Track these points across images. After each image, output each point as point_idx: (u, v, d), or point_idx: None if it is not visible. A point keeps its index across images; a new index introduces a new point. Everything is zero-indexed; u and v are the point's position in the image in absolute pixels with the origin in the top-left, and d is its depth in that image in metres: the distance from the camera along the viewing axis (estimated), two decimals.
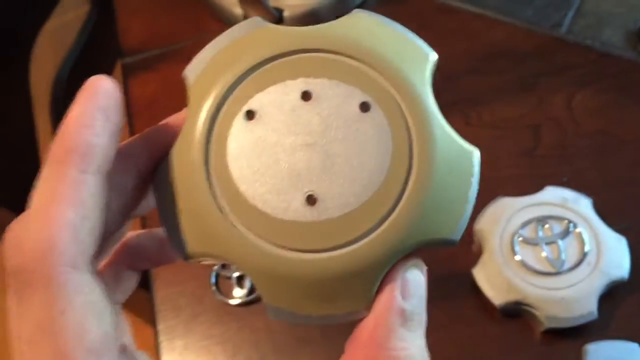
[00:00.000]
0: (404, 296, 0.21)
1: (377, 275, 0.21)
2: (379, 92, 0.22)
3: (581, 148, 0.51)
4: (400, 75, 0.22)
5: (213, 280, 0.49)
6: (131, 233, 0.27)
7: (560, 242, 0.44)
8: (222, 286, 0.49)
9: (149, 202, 0.24)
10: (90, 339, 0.19)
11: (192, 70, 0.23)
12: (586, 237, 0.43)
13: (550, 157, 0.51)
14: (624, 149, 0.50)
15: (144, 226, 0.52)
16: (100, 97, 0.21)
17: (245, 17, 0.60)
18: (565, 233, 0.44)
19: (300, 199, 0.21)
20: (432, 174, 0.21)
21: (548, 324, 0.42)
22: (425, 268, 0.22)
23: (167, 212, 0.22)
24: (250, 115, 0.22)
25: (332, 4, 0.60)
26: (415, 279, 0.22)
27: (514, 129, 0.53)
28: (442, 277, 0.44)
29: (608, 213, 0.46)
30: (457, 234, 0.22)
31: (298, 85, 0.22)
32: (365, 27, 0.23)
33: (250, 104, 0.22)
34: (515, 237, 0.44)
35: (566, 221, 0.44)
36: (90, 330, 0.19)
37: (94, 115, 0.21)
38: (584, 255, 0.43)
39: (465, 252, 0.47)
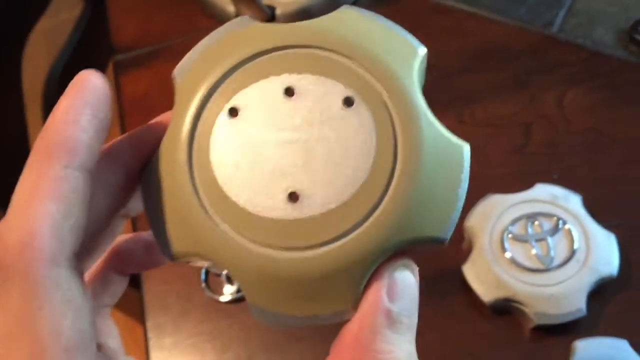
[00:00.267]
0: (390, 297, 0.20)
1: (363, 273, 0.20)
2: (364, 87, 0.22)
3: (572, 146, 0.51)
4: (385, 70, 0.22)
5: (203, 277, 0.49)
6: (118, 237, 0.26)
7: (549, 239, 0.44)
8: (211, 283, 0.49)
9: (140, 202, 0.24)
10: (67, 336, 0.19)
11: (180, 70, 0.23)
12: (575, 234, 0.43)
13: (541, 154, 0.51)
14: (615, 147, 0.50)
15: (134, 228, 0.52)
16: (88, 93, 0.21)
17: (238, 14, 0.60)
18: (555, 230, 0.44)
19: (282, 196, 0.21)
20: (419, 169, 0.21)
21: (537, 321, 0.42)
22: (416, 269, 0.22)
23: (153, 212, 0.22)
24: (233, 112, 0.22)
25: (324, 2, 0.60)
26: (404, 280, 0.21)
27: (506, 126, 0.53)
28: (432, 274, 0.44)
29: (598, 210, 0.46)
30: (446, 232, 0.21)
31: (282, 81, 0.22)
32: (352, 22, 0.23)
33: (234, 101, 0.22)
34: (505, 234, 0.44)
35: (555, 218, 0.44)
36: (68, 328, 0.19)
37: (81, 111, 0.20)
38: (573, 252, 0.43)
39: (455, 249, 0.47)
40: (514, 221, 0.45)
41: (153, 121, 0.24)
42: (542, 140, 0.51)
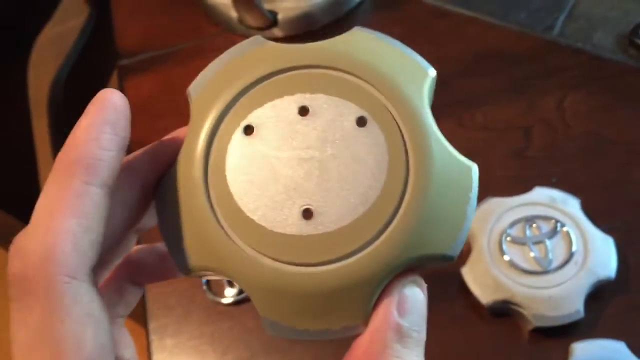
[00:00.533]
0: (400, 312, 0.21)
1: (373, 289, 0.21)
2: (376, 107, 0.22)
3: (571, 149, 0.51)
4: (397, 90, 0.22)
5: (204, 280, 0.49)
6: (133, 248, 0.27)
7: (547, 242, 0.44)
8: (213, 286, 0.49)
9: (153, 216, 0.24)
10: (89, 349, 0.19)
11: (195, 87, 0.23)
12: (573, 236, 0.44)
13: (540, 158, 0.51)
14: (614, 151, 0.51)
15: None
16: (109, 111, 0.21)
17: (240, 20, 0.61)
18: (553, 232, 0.44)
19: (296, 212, 0.21)
20: (429, 189, 0.21)
21: (536, 323, 0.42)
22: (425, 286, 0.22)
23: (168, 226, 0.23)
24: (248, 130, 0.22)
25: (326, 6, 0.60)
26: (413, 296, 0.21)
27: (505, 130, 0.53)
28: (431, 277, 0.45)
29: (596, 213, 0.46)
30: (454, 250, 0.21)
31: (296, 100, 0.22)
32: (363, 43, 0.23)
33: (249, 119, 0.22)
34: (504, 237, 0.44)
35: (554, 221, 0.44)
36: (88, 341, 0.19)
37: (101, 129, 0.21)
38: (571, 254, 0.43)
39: None
40: (513, 224, 0.45)
41: (168, 137, 0.24)
42: (541, 144, 0.52)
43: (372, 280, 0.21)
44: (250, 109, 0.23)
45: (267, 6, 0.59)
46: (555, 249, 0.43)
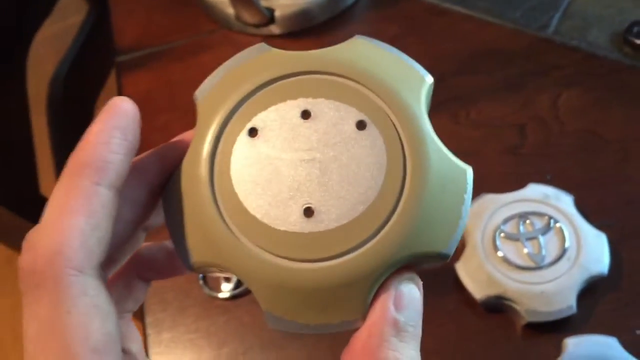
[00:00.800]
0: (397, 307, 0.22)
1: (371, 285, 0.22)
2: (375, 112, 0.23)
3: (565, 147, 0.51)
4: (395, 96, 0.23)
5: (200, 274, 0.49)
6: (142, 245, 0.28)
7: (541, 238, 0.44)
8: (209, 280, 0.49)
9: (161, 215, 0.25)
10: (95, 339, 0.20)
11: (201, 92, 0.24)
12: (567, 232, 0.44)
13: (535, 155, 0.51)
14: (607, 148, 0.51)
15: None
16: (119, 117, 0.23)
17: (237, 17, 0.61)
18: (546, 229, 0.44)
19: (298, 211, 0.22)
20: (425, 190, 0.22)
21: (528, 318, 0.42)
22: (420, 282, 0.23)
23: (175, 224, 0.23)
24: (253, 132, 0.23)
25: (323, 3, 0.60)
26: (409, 292, 0.22)
27: (500, 127, 0.53)
28: (426, 272, 0.45)
29: (589, 210, 0.46)
30: (449, 248, 0.22)
31: (298, 104, 0.23)
32: (363, 51, 0.24)
33: (254, 122, 0.23)
34: (497, 233, 0.45)
35: (547, 217, 0.45)
36: (95, 331, 0.20)
37: (112, 134, 0.22)
38: (564, 250, 0.43)
39: None
40: (506, 220, 0.45)
41: (175, 139, 0.25)
42: (536, 141, 0.52)
43: (370, 276, 0.22)
44: (254, 112, 0.24)
45: (264, 3, 0.60)
46: (549, 245, 0.44)
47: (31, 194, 0.85)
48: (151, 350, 0.47)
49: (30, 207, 0.81)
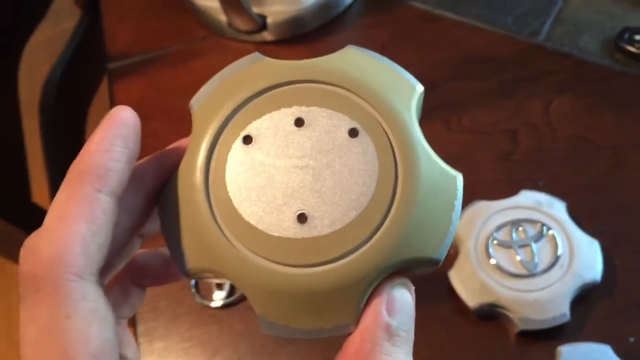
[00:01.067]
0: (389, 312, 0.22)
1: (364, 290, 0.22)
2: (367, 119, 0.24)
3: (557, 153, 0.52)
4: (387, 104, 0.24)
5: (193, 283, 0.49)
6: (138, 252, 0.28)
7: (533, 245, 0.44)
8: (201, 289, 0.49)
9: (156, 222, 0.25)
10: (94, 343, 0.20)
11: (197, 100, 0.25)
12: (559, 240, 0.44)
13: (527, 161, 0.52)
14: (599, 154, 0.51)
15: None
16: (120, 126, 0.23)
17: (229, 23, 0.61)
18: (539, 236, 0.44)
19: (292, 217, 0.23)
20: (416, 196, 0.22)
21: (522, 326, 0.42)
22: (412, 287, 0.23)
23: (171, 230, 0.24)
24: (247, 140, 0.24)
25: (315, 10, 0.60)
26: (401, 297, 0.22)
27: (492, 133, 0.53)
28: (419, 279, 0.45)
29: (582, 217, 0.46)
30: (440, 254, 0.23)
31: (292, 112, 0.24)
32: (356, 60, 0.25)
33: (248, 130, 0.24)
34: (490, 240, 0.45)
35: (540, 224, 0.45)
36: (94, 335, 0.20)
37: (113, 142, 0.23)
38: (557, 257, 0.43)
39: None
40: (499, 227, 0.45)
41: (171, 146, 0.26)
42: (528, 148, 0.52)
43: (363, 281, 0.22)
44: (249, 120, 0.24)
45: (256, 10, 0.60)
46: (541, 253, 0.44)
47: (23, 201, 0.84)
48: (143, 359, 0.47)
49: (22, 214, 0.80)
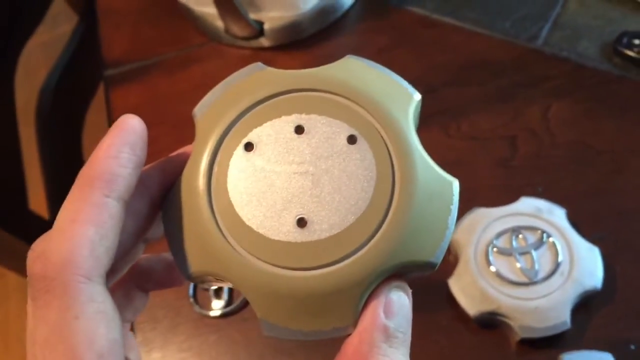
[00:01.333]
0: (387, 314, 0.22)
1: (362, 293, 0.23)
2: (365, 127, 0.24)
3: (556, 158, 0.51)
4: (385, 112, 0.24)
5: (191, 292, 0.49)
6: (141, 256, 0.29)
7: (534, 252, 0.44)
8: (199, 298, 0.49)
9: (160, 227, 0.26)
10: (100, 344, 0.21)
11: (200, 109, 0.26)
12: (559, 247, 0.44)
13: (525, 167, 0.51)
14: (599, 160, 0.51)
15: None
16: (128, 133, 0.24)
17: (227, 30, 0.61)
18: (539, 243, 0.44)
19: (292, 221, 0.23)
20: (413, 201, 0.23)
21: (522, 334, 0.42)
22: (409, 290, 0.24)
23: (174, 235, 0.24)
24: (249, 146, 0.24)
25: (312, 16, 0.60)
26: (399, 299, 0.23)
27: (491, 139, 0.53)
28: (419, 287, 0.45)
29: (582, 223, 0.46)
30: (436, 257, 0.23)
31: (292, 120, 0.25)
32: (354, 69, 0.26)
33: (249, 137, 0.25)
34: (490, 248, 0.44)
35: (540, 231, 0.45)
36: (101, 336, 0.21)
37: (121, 149, 0.23)
38: (557, 265, 0.43)
39: (442, 262, 0.47)
40: (499, 235, 0.45)
41: (175, 153, 0.26)
42: (527, 153, 0.52)
43: (361, 284, 0.22)
44: (250, 128, 0.25)
45: (253, 16, 0.59)
46: (542, 260, 0.44)
47: (19, 208, 0.84)
48: None
49: (19, 222, 0.80)
